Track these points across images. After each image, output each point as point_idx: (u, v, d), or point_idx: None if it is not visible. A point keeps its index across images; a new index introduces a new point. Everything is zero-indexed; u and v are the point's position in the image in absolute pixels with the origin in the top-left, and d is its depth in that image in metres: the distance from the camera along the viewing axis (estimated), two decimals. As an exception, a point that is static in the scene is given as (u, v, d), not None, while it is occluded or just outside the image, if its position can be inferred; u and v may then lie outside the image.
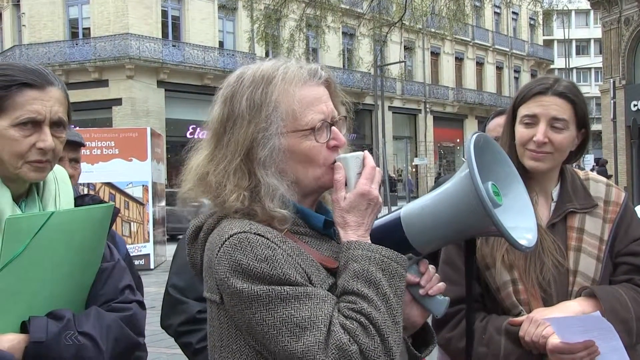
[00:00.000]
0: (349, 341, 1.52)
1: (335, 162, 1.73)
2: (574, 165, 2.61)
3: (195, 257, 1.78)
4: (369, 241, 1.68)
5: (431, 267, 1.82)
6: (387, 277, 1.61)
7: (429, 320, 1.93)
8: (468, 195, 1.65)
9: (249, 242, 1.59)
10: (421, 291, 1.78)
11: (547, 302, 2.26)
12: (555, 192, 2.42)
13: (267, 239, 1.61)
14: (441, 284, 1.81)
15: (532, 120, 2.34)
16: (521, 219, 1.82)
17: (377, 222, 1.78)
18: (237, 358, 1.66)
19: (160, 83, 33.36)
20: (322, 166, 1.72)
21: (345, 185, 1.70)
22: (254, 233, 1.61)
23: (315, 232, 1.75)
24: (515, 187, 1.88)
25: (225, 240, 1.62)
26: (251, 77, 1.73)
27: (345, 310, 1.58)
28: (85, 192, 12.48)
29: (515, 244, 1.70)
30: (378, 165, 1.75)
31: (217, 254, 1.63)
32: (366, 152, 1.75)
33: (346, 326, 1.54)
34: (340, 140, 1.74)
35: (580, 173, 2.50)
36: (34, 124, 1.88)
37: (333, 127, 1.74)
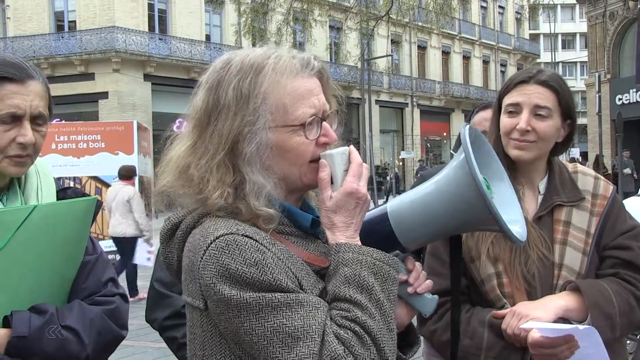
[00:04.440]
0: (344, 352, 1.42)
1: (320, 159, 1.60)
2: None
3: (171, 258, 1.66)
4: (359, 242, 1.57)
5: (418, 264, 1.73)
6: (380, 282, 1.51)
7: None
8: (465, 189, 1.55)
9: (237, 245, 1.47)
10: (409, 289, 1.69)
11: (532, 296, 2.26)
12: (542, 185, 2.41)
13: (256, 241, 1.49)
14: (429, 282, 1.72)
15: (516, 109, 2.33)
16: (509, 212, 1.75)
17: None
18: None
19: (146, 76, 33.17)
20: (309, 164, 1.60)
21: (332, 183, 1.58)
22: (242, 235, 1.49)
23: (301, 232, 1.63)
24: (501, 182, 1.82)
25: (212, 243, 1.49)
26: (239, 65, 1.60)
27: (338, 318, 1.47)
28: (72, 185, 12.38)
29: (514, 237, 1.63)
30: (365, 160, 1.69)
31: (202, 258, 1.49)
32: (352, 147, 1.62)
33: (340, 336, 1.44)
34: (331, 137, 1.62)
35: (569, 166, 2.49)
36: (14, 119, 1.85)
37: (324, 123, 1.62)
